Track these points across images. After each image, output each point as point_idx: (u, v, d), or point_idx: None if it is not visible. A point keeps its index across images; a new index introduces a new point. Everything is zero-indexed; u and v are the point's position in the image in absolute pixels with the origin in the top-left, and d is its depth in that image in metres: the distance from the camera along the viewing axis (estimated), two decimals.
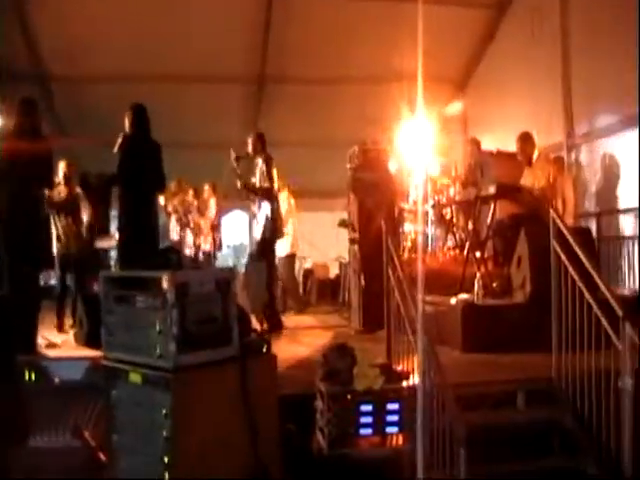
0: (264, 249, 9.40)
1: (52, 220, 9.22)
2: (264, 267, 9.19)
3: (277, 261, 12.08)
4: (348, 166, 9.76)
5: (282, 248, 11.99)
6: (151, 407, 4.15)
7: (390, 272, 6.35)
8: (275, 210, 9.38)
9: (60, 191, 9.43)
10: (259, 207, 9.41)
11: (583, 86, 12.03)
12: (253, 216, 9.55)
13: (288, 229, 11.95)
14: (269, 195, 9.33)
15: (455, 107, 16.04)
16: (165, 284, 4.06)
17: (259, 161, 9.41)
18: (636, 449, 4.90)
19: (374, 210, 8.87)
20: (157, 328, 4.11)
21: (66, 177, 9.58)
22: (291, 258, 12.39)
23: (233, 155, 9.37)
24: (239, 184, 9.42)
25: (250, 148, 9.53)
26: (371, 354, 5.97)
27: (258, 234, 9.42)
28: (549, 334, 6.02)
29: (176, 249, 5.47)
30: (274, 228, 9.33)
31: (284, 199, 12.09)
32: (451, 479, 4.46)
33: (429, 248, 10.71)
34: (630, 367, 4.98)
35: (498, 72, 14.66)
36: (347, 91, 15.03)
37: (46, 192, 8.10)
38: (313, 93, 15.24)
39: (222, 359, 4.32)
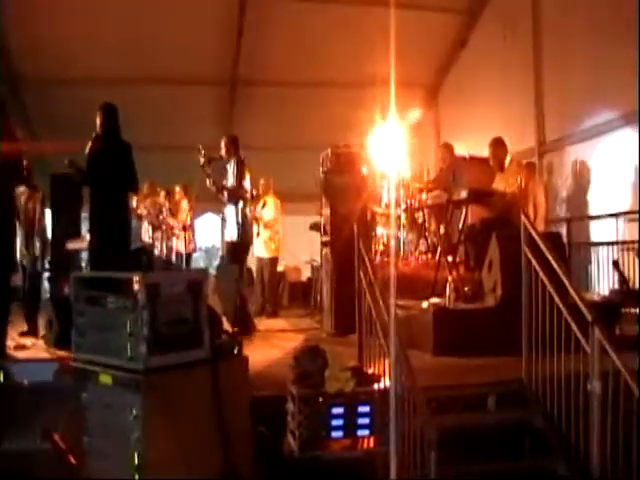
0: (235, 252, 9.38)
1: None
2: (235, 270, 9.16)
3: (259, 263, 12.19)
4: (321, 169, 9.77)
5: (265, 250, 12.04)
6: (121, 409, 4.12)
7: (362, 275, 6.36)
8: (243, 212, 9.33)
9: (21, 192, 9.27)
10: (228, 208, 9.39)
11: (555, 92, 12.15)
12: (223, 219, 9.51)
13: (274, 232, 12.01)
14: (237, 196, 9.30)
15: (426, 114, 16.10)
16: (136, 285, 4.04)
17: (232, 163, 9.39)
18: (604, 450, 4.94)
19: (346, 213, 8.87)
20: (128, 329, 4.09)
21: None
22: (274, 261, 12.42)
23: (202, 151, 9.31)
24: (208, 182, 9.38)
25: (223, 151, 9.50)
26: (343, 357, 5.96)
27: (228, 237, 9.40)
28: (520, 338, 6.05)
29: (147, 250, 5.43)
30: (245, 231, 9.30)
31: (270, 202, 12.12)
32: None
33: (401, 252, 10.70)
34: (598, 371, 5.02)
35: (471, 77, 14.77)
36: (320, 94, 15.09)
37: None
38: (286, 96, 15.27)
39: (193, 361, 4.31)
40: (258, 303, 11.91)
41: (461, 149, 11.34)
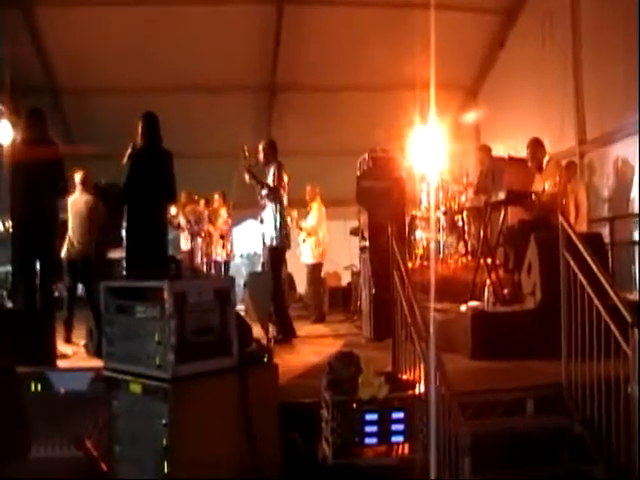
0: (272, 258, 9.38)
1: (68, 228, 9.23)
2: (268, 276, 9.16)
3: (306, 269, 12.24)
4: (358, 174, 9.74)
5: (310, 256, 12.09)
6: (150, 417, 4.15)
7: (397, 280, 6.30)
8: (281, 215, 9.34)
9: (77, 198, 9.38)
10: (264, 208, 9.42)
11: (594, 91, 11.98)
12: (261, 221, 9.50)
13: (319, 238, 12.05)
14: (277, 194, 9.31)
15: (468, 116, 15.98)
16: (163, 294, 4.05)
17: (271, 169, 9.40)
18: None
19: (384, 218, 8.81)
20: (156, 338, 4.11)
21: (83, 184, 9.47)
22: (318, 267, 12.44)
23: (246, 153, 9.35)
24: (247, 177, 9.38)
25: (261, 156, 9.52)
26: (378, 362, 5.95)
27: (266, 240, 9.42)
28: (559, 341, 5.95)
29: (176, 258, 5.44)
30: (281, 236, 9.30)
31: (316, 209, 12.17)
32: None
33: (440, 255, 10.63)
34: (639, 374, 4.91)
35: (510, 78, 14.64)
36: (358, 99, 15.08)
37: (60, 200, 8.12)
38: (324, 101, 15.28)
39: (221, 369, 4.31)
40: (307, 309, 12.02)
41: (500, 150, 11.23)
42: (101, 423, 4.69)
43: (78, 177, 9.48)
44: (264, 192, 9.37)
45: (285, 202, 9.47)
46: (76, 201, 9.37)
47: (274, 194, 9.31)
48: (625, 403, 5.02)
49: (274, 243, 9.30)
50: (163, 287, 4.08)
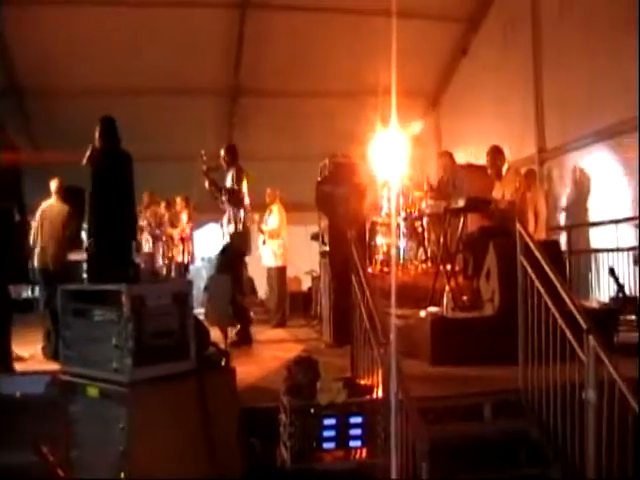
0: (228, 261, 9.35)
1: (38, 232, 9.25)
2: (227, 280, 9.11)
3: (268, 272, 12.21)
4: (318, 179, 9.75)
5: (273, 259, 12.06)
6: (108, 421, 4.12)
7: (356, 285, 6.32)
8: (241, 220, 9.31)
9: (52, 205, 9.38)
10: (225, 213, 9.40)
11: (555, 100, 12.12)
12: (221, 225, 9.48)
13: (280, 241, 12.03)
14: (237, 199, 9.30)
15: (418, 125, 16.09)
16: (121, 297, 4.02)
17: (231, 173, 9.39)
18: (599, 460, 4.89)
19: (344, 223, 8.82)
20: (113, 342, 4.08)
21: (57, 193, 9.50)
22: (282, 270, 12.42)
23: (204, 157, 9.33)
24: (207, 184, 9.37)
25: (222, 160, 9.51)
26: (337, 368, 5.96)
27: (226, 243, 9.39)
28: (517, 347, 6.01)
29: (134, 262, 5.42)
30: (239, 240, 9.28)
31: (276, 211, 12.16)
32: None
33: (400, 261, 10.66)
34: (594, 380, 4.98)
35: (471, 86, 14.76)
36: (321, 104, 15.10)
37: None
38: (287, 106, 15.29)
39: (179, 373, 4.29)
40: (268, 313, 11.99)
41: (461, 157, 11.32)
42: (58, 428, 4.63)
43: (54, 185, 9.52)
44: (224, 198, 9.35)
45: (247, 204, 9.46)
46: (50, 208, 9.36)
47: (234, 197, 9.29)
48: (580, 407, 5.09)
49: (230, 246, 9.29)
50: (121, 290, 4.06)
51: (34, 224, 9.30)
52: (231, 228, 9.28)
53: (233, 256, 9.37)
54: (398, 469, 4.63)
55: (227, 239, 9.36)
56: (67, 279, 9.11)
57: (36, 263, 9.18)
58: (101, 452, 4.20)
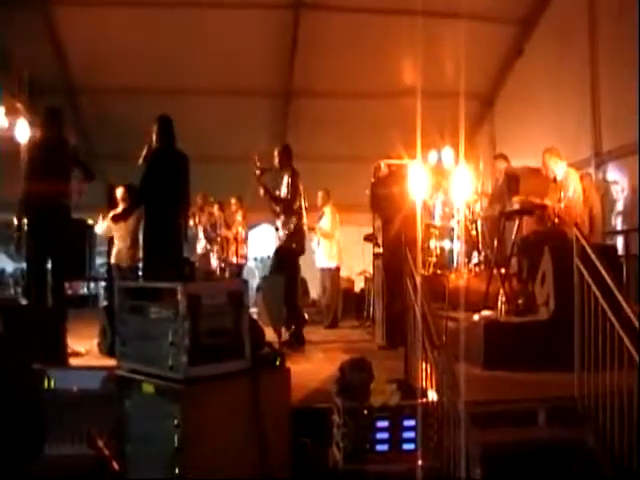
0: (281, 262, 9.38)
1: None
2: (281, 280, 9.12)
3: (322, 273, 12.24)
4: (372, 180, 9.73)
5: (327, 260, 12.08)
6: (162, 418, 4.17)
7: (410, 287, 6.29)
8: (294, 224, 9.31)
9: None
10: (280, 219, 9.39)
11: (611, 102, 11.89)
12: (276, 229, 9.51)
13: (334, 242, 12.05)
14: (291, 209, 9.29)
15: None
16: (177, 295, 4.06)
17: (285, 176, 9.38)
18: None
19: (399, 225, 8.80)
20: (169, 339, 4.12)
21: (124, 200, 10.08)
22: (335, 271, 12.45)
23: (257, 163, 9.34)
24: (261, 191, 9.38)
25: (276, 161, 9.50)
26: (390, 370, 5.94)
27: (281, 244, 9.42)
28: (572, 352, 5.92)
29: (190, 261, 5.49)
30: (293, 241, 9.28)
31: (328, 213, 12.17)
32: None
33: (454, 264, 10.59)
34: None
35: (526, 88, 14.56)
36: (374, 105, 15.03)
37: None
38: (341, 107, 15.25)
39: (233, 371, 4.32)
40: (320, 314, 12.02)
41: (517, 160, 11.19)
42: (113, 422, 4.70)
43: (120, 192, 10.26)
44: (278, 209, 9.38)
45: (304, 210, 9.47)
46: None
47: (289, 207, 9.31)
48: (638, 416, 4.99)
49: (283, 247, 9.31)
50: (177, 289, 4.10)
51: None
52: (285, 229, 9.29)
53: (287, 257, 9.37)
54: (451, 474, 4.63)
55: (281, 240, 9.37)
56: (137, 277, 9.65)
57: (114, 262, 10.26)
58: (155, 448, 4.25)
